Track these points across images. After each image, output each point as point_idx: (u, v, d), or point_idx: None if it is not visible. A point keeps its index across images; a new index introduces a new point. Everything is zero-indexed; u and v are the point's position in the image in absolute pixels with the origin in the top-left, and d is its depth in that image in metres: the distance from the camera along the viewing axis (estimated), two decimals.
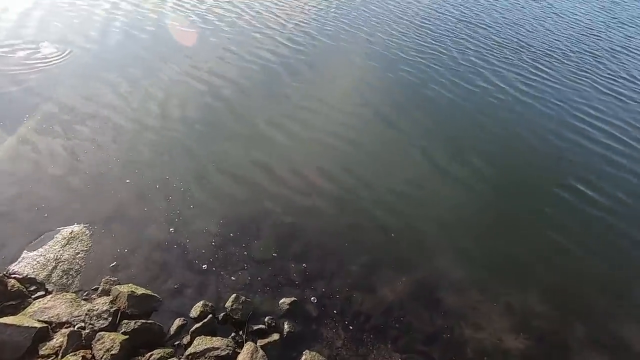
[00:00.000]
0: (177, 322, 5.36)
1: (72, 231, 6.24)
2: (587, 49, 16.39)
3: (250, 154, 8.42)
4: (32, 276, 5.59)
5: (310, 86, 11.27)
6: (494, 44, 15.53)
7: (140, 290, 5.44)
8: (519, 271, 7.01)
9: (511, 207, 8.30)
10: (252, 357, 4.90)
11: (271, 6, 16.09)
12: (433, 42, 14.95)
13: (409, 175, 8.59)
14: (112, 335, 4.83)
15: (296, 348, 5.37)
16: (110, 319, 5.08)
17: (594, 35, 18.20)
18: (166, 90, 9.98)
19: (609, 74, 14.47)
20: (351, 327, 5.75)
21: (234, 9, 15.39)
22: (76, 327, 4.97)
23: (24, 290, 5.35)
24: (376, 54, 13.65)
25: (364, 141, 9.38)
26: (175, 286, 5.84)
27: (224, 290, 5.89)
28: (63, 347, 4.68)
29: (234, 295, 5.67)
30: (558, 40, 16.88)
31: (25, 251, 5.87)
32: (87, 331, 4.90)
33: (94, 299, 5.44)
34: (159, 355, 4.83)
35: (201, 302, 5.59)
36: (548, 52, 15.54)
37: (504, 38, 16.28)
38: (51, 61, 10.27)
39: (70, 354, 4.62)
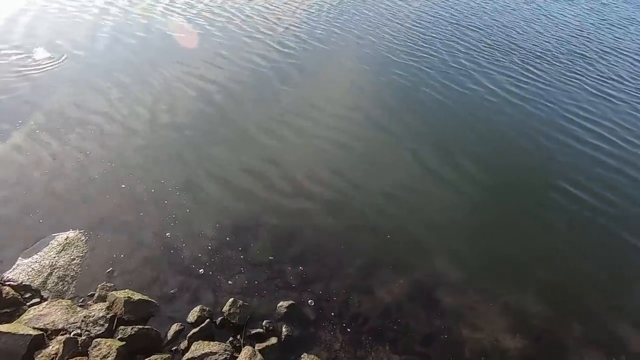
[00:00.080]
0: (175, 327, 5.34)
1: (68, 237, 6.20)
2: (577, 51, 16.59)
3: (244, 159, 8.42)
4: (27, 283, 5.55)
5: (301, 90, 11.29)
6: (485, 46, 15.67)
7: (137, 296, 5.41)
8: (514, 271, 7.07)
9: (504, 208, 8.37)
10: None
11: (262, 10, 16.12)
12: (424, 44, 15.04)
13: (401, 177, 8.63)
14: (109, 341, 4.79)
15: (294, 351, 5.37)
16: (106, 325, 5.06)
17: (584, 37, 18.42)
18: (157, 95, 9.96)
19: (598, 75, 14.64)
20: (349, 330, 5.76)
21: (225, 13, 15.41)
22: (72, 334, 4.93)
23: (19, 297, 5.31)
24: (367, 57, 13.70)
25: (356, 144, 9.39)
26: (172, 291, 5.82)
27: (221, 295, 5.88)
28: (59, 355, 4.63)
29: (231, 300, 5.66)
30: (548, 42, 17.07)
31: (20, 258, 5.83)
32: (83, 338, 4.86)
33: (90, 305, 5.40)
34: None
35: (198, 307, 5.57)
36: (538, 54, 15.71)
37: (494, 40, 16.43)
38: (44, 67, 10.24)
39: None
